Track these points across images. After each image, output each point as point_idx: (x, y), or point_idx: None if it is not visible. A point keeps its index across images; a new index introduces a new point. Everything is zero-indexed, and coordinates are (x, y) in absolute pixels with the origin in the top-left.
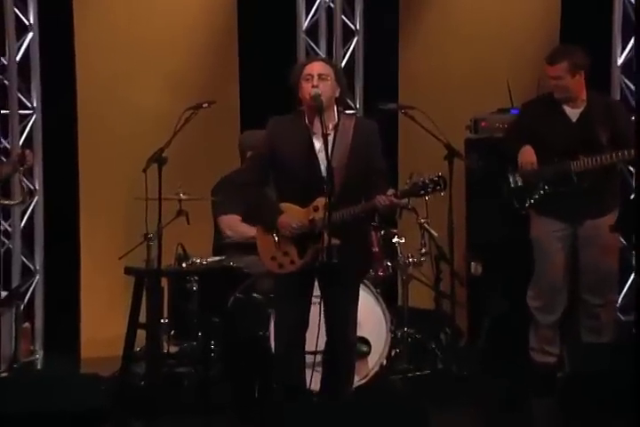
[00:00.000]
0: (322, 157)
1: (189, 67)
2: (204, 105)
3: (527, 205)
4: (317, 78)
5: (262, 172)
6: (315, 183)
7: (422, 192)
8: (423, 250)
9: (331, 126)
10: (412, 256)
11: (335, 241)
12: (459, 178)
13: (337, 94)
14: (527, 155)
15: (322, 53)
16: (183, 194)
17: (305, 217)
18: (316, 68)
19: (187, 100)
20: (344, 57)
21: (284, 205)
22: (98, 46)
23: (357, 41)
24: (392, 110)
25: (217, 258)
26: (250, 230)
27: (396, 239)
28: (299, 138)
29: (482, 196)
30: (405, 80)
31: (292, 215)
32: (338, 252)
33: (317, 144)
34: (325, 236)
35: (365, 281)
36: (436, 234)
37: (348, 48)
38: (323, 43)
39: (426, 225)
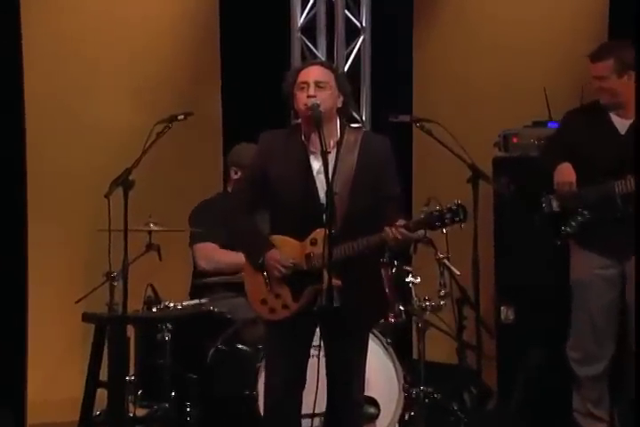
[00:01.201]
0: (321, 179)
1: (161, 73)
2: (179, 117)
3: (564, 234)
4: (314, 86)
5: (252, 197)
6: (312, 212)
7: (438, 224)
8: (443, 292)
9: (332, 143)
10: (430, 299)
11: (337, 282)
12: (485, 205)
13: (339, 104)
14: (565, 173)
15: (321, 56)
16: (154, 224)
17: (300, 252)
18: (313, 73)
19: (158, 112)
20: (347, 60)
21: (277, 238)
22: (48, 54)
23: (363, 40)
24: (405, 123)
25: (194, 301)
26: (227, 256)
27: (409, 279)
28: (294, 157)
29: (513, 227)
30: (421, 87)
31: (286, 250)
32: (341, 294)
33: (316, 165)
34: (325, 275)
35: (373, 330)
36: (458, 272)
37: (353, 49)
38: (322, 43)
39: (446, 262)
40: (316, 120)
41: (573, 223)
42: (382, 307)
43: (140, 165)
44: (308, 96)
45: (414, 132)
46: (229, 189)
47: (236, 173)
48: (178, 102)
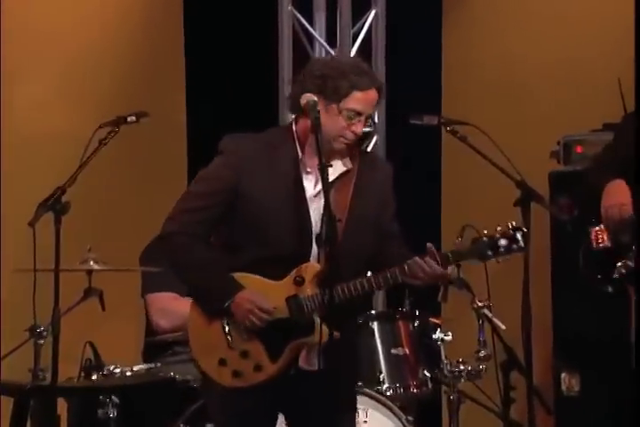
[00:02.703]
0: (316, 206)
1: (106, 66)
2: (129, 119)
3: (613, 278)
4: (364, 122)
5: (211, 219)
6: (297, 246)
7: (490, 253)
8: (482, 353)
9: (341, 166)
10: (465, 363)
11: (337, 334)
12: (539, 235)
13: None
14: (616, 193)
15: (319, 36)
16: (95, 262)
17: (279, 295)
18: (372, 103)
19: (102, 115)
20: (354, 42)
21: (243, 277)
22: None
23: (375, 16)
24: (432, 127)
25: (149, 365)
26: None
27: (438, 335)
28: (280, 173)
29: (576, 264)
30: (452, 80)
31: (262, 291)
32: (338, 351)
33: (309, 187)
34: (318, 324)
35: (389, 403)
36: (502, 327)
37: (361, 28)
38: (320, 19)
39: (486, 311)
40: (313, 123)
41: (629, 262)
42: (357, 364)
43: (76, 182)
44: (356, 134)
45: (444, 138)
46: None
47: None
48: (129, 103)
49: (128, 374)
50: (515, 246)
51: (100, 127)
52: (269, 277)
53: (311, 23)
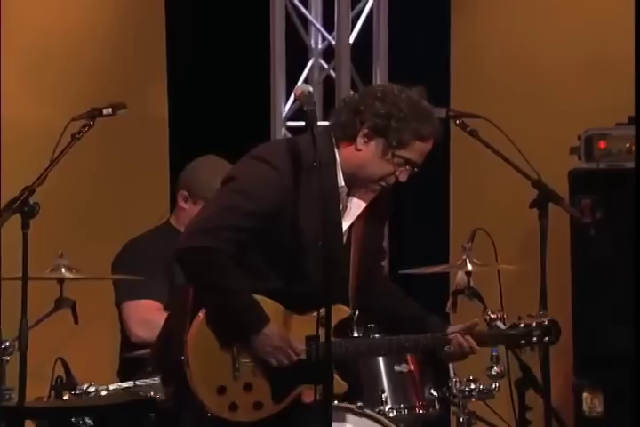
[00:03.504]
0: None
1: (83, 58)
2: (105, 111)
3: None
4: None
5: (250, 242)
6: (330, 279)
7: (523, 342)
8: (495, 369)
9: (359, 210)
10: (476, 380)
11: (343, 385)
12: (558, 240)
13: None
14: None
15: (315, 21)
16: (67, 269)
17: (299, 332)
18: (427, 152)
19: (76, 107)
20: (353, 28)
21: (263, 302)
22: None
23: (377, 1)
24: (439, 119)
25: (126, 384)
26: None
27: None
28: (327, 201)
29: (600, 272)
30: (461, 69)
31: (283, 324)
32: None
33: (346, 221)
34: (337, 376)
35: (392, 425)
36: None
37: (361, 11)
38: (317, 3)
39: (499, 324)
40: (309, 116)
41: None
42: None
43: (46, 181)
44: (398, 182)
45: (452, 132)
46: (173, 222)
47: (184, 201)
48: (105, 94)
49: (103, 393)
50: (547, 339)
51: (73, 120)
52: (291, 307)
53: (306, 5)
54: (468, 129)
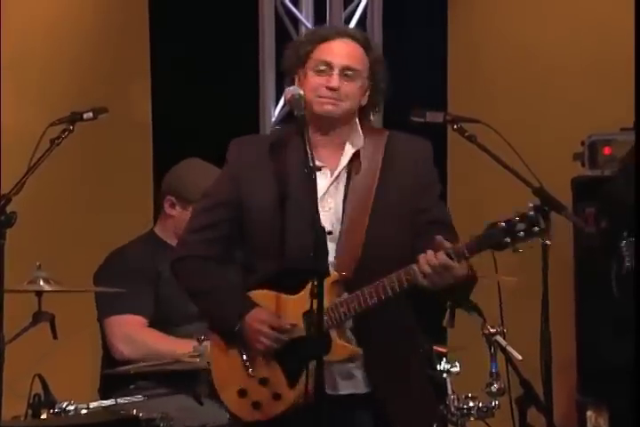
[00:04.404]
0: (327, 206)
1: (64, 59)
2: (86, 116)
3: None
4: (340, 74)
5: (227, 237)
6: (310, 255)
7: (507, 240)
8: (495, 386)
9: (346, 151)
10: (475, 398)
11: (355, 349)
12: (561, 250)
13: (364, 101)
14: None
15: (305, 19)
16: (46, 281)
17: (295, 310)
18: (344, 53)
19: (56, 111)
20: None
21: (257, 295)
22: None
23: (371, 0)
24: (436, 125)
25: (107, 402)
26: (163, 343)
27: (443, 365)
28: (287, 175)
29: (605, 284)
30: (459, 71)
31: (279, 308)
32: (368, 374)
33: (322, 184)
34: (338, 340)
35: None
36: (518, 357)
37: (355, 9)
38: (307, 3)
39: (499, 339)
40: (300, 121)
41: None
42: (432, 410)
43: (24, 189)
44: (329, 88)
45: (450, 138)
46: (158, 231)
47: (172, 207)
48: (86, 98)
49: (83, 411)
50: (536, 229)
51: (52, 125)
52: (287, 291)
53: (296, 5)
54: (467, 134)
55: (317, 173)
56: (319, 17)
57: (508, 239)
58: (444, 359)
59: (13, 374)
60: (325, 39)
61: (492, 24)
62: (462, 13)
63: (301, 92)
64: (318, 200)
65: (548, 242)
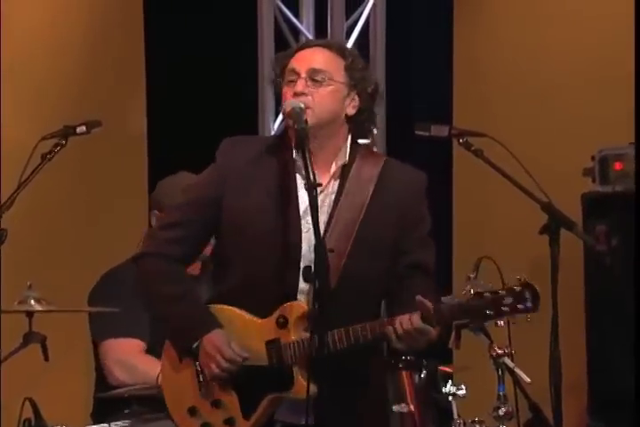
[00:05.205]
0: (309, 231)
1: (55, 73)
2: (79, 129)
3: None
4: (307, 79)
5: (197, 238)
6: (286, 276)
7: (489, 313)
8: (503, 410)
9: (333, 169)
10: (482, 422)
11: (314, 389)
12: (570, 270)
13: (350, 111)
14: None
15: (306, 31)
16: (37, 302)
17: (259, 337)
18: (308, 58)
19: (48, 125)
20: (348, 37)
21: (225, 311)
22: None
23: (374, 7)
24: (441, 139)
25: (102, 426)
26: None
27: (449, 388)
28: (272, 184)
29: (616, 305)
30: (465, 82)
31: (238, 332)
32: (317, 409)
33: (306, 200)
34: (300, 378)
35: None
36: (527, 379)
37: (357, 20)
38: (308, 10)
39: (507, 361)
40: (299, 135)
41: None
42: None
43: (14, 205)
44: (295, 94)
45: (455, 152)
46: None
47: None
48: (79, 111)
49: None
50: (521, 306)
51: (44, 139)
52: (254, 310)
53: (296, 14)
54: (473, 148)
55: (300, 192)
56: (320, 27)
57: (491, 313)
58: (450, 382)
59: (3, 397)
60: (297, 51)
61: (497, 35)
62: (467, 24)
63: (302, 105)
64: (302, 218)
65: (528, 319)
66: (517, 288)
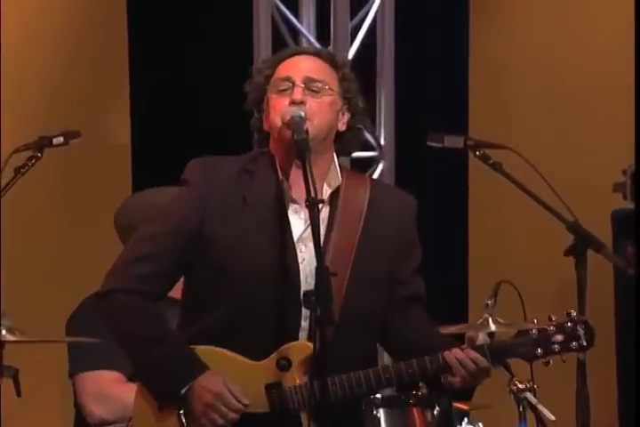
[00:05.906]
0: (307, 253)
1: (35, 80)
2: (56, 140)
3: None
4: (304, 88)
5: (170, 272)
6: (283, 310)
7: (540, 352)
8: None
9: (324, 191)
10: None
11: None
12: (600, 295)
13: (341, 127)
14: None
15: (307, 33)
16: (9, 331)
17: (258, 381)
18: (304, 66)
19: (22, 134)
20: (353, 41)
21: (208, 352)
22: None
23: (381, 6)
24: (456, 151)
25: None
26: None
27: (465, 426)
28: (259, 208)
29: None
30: (481, 89)
31: (229, 376)
32: None
33: (298, 225)
34: (306, 422)
35: None
36: (551, 417)
37: (362, 22)
38: (308, 10)
39: (529, 396)
40: (300, 146)
41: None
42: None
43: None
44: (292, 102)
45: (471, 165)
46: None
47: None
48: (57, 121)
49: None
50: (574, 344)
51: (17, 151)
52: (245, 353)
53: (296, 15)
54: (491, 161)
55: (292, 218)
56: (322, 29)
57: (540, 351)
58: (466, 419)
59: None
60: (284, 58)
61: (517, 37)
62: (485, 26)
63: (302, 114)
64: (296, 246)
65: (581, 358)
66: (569, 324)
